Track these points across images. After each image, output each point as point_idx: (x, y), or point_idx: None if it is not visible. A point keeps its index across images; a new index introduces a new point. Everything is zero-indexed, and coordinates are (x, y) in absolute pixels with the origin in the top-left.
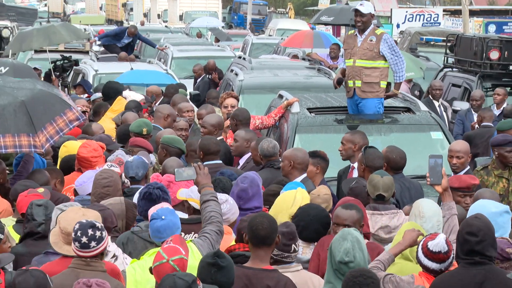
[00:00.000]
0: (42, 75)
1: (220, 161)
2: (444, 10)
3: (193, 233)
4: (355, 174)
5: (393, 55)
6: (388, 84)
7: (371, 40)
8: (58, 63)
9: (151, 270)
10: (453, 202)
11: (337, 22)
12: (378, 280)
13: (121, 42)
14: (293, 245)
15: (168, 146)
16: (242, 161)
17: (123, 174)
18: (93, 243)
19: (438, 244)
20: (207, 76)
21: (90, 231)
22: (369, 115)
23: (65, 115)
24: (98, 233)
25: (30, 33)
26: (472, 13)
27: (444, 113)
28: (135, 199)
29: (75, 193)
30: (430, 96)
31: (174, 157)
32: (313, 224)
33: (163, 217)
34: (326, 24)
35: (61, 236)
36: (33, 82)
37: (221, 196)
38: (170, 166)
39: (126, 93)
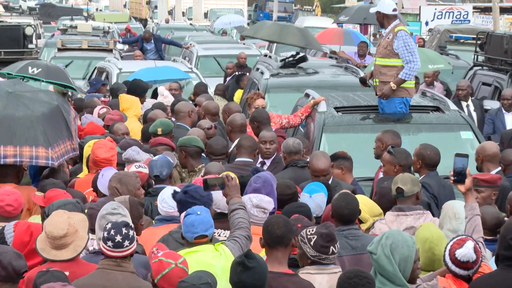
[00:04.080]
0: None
1: (251, 160)
2: (474, 8)
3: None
4: (382, 174)
5: (406, 51)
6: (416, 81)
7: (388, 38)
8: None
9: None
10: (476, 203)
11: (351, 21)
12: (373, 281)
13: (144, 48)
14: (331, 247)
15: (185, 147)
16: (268, 162)
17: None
18: (126, 242)
19: (466, 254)
20: (239, 74)
21: (124, 230)
22: (397, 114)
23: (66, 143)
24: (131, 233)
25: (263, 24)
26: (503, 10)
27: (473, 113)
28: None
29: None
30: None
31: (215, 162)
32: None
33: (198, 212)
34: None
35: (47, 241)
36: (50, 95)
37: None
38: (212, 169)
39: (161, 90)
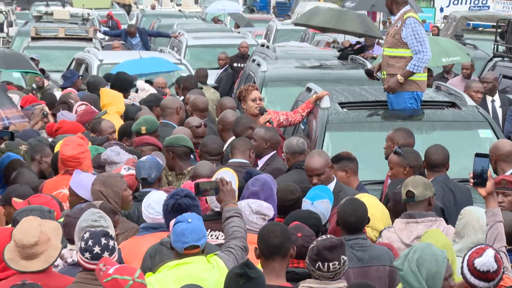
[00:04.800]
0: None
1: (247, 161)
2: None
3: (209, 230)
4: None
5: (415, 40)
6: (429, 74)
7: (397, 26)
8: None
9: None
10: (498, 208)
11: (358, 8)
12: None
13: (129, 43)
14: (319, 263)
15: (173, 147)
16: (261, 163)
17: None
18: (106, 254)
19: (486, 263)
20: (234, 65)
21: (103, 240)
22: (408, 111)
23: (12, 109)
24: (111, 243)
25: (317, 10)
26: None
27: (499, 110)
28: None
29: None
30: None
31: (206, 161)
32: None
33: (189, 220)
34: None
35: (17, 250)
36: None
37: None
38: (202, 170)
39: (140, 84)
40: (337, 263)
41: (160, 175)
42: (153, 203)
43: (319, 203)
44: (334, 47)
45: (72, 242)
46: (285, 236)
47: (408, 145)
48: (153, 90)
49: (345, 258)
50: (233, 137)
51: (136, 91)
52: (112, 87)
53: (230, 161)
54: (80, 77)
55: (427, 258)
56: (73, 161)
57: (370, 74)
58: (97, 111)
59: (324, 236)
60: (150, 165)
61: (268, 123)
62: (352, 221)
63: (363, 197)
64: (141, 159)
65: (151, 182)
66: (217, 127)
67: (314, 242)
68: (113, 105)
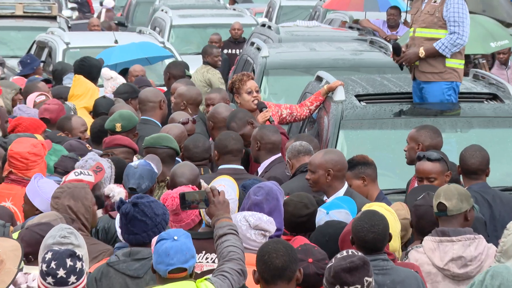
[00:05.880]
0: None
1: (241, 166)
2: None
3: (204, 252)
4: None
5: (452, 19)
6: (467, 60)
7: (435, 2)
8: None
9: None
10: None
11: None
12: None
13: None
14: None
15: (154, 148)
16: (261, 169)
17: (103, 184)
18: (72, 278)
19: None
20: (224, 52)
21: (69, 262)
22: (439, 105)
23: None
24: (79, 264)
25: None
26: None
27: None
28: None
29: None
30: None
31: (187, 162)
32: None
33: (175, 237)
34: None
35: None
36: None
37: None
38: (181, 174)
39: (105, 72)
40: (359, 286)
41: (153, 185)
42: None
43: (335, 213)
44: (351, 27)
45: (31, 261)
46: (290, 256)
47: (435, 146)
48: (121, 79)
49: (370, 279)
50: None
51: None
52: (82, 75)
53: (220, 167)
54: (42, 63)
55: (511, 285)
56: (19, 160)
57: (397, 49)
58: (62, 104)
59: (344, 253)
60: (142, 173)
61: (268, 122)
62: (370, 238)
63: (372, 206)
64: (132, 164)
65: (140, 193)
66: (207, 125)
67: (332, 261)
68: (84, 98)
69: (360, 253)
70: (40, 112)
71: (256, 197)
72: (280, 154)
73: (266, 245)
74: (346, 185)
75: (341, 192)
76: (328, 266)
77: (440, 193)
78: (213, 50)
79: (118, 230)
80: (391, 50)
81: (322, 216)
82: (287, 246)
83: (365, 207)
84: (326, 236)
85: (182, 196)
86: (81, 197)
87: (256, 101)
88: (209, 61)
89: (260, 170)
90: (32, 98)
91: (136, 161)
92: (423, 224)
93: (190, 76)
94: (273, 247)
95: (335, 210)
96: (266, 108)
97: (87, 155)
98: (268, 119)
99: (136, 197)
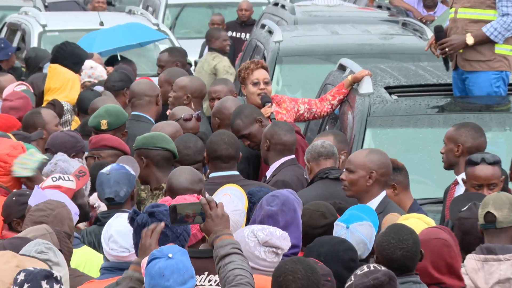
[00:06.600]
0: None
1: (236, 172)
2: None
3: (206, 273)
4: (459, 193)
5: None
6: None
7: None
8: None
9: None
10: None
11: None
12: None
13: None
14: None
15: (147, 150)
16: (269, 173)
17: (87, 190)
18: None
19: None
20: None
21: (44, 284)
22: (485, 98)
23: None
24: (56, 287)
25: None
26: None
27: None
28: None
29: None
30: None
31: (186, 166)
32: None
33: (170, 255)
34: None
35: None
36: None
37: None
38: (179, 180)
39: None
40: None
41: (133, 190)
42: (116, 235)
43: (357, 227)
44: (380, 6)
45: None
46: (309, 280)
47: (478, 147)
48: (101, 69)
49: None
50: None
51: None
52: (63, 65)
53: (211, 175)
54: (17, 50)
55: None
56: None
57: (440, 31)
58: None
59: (365, 268)
60: (116, 179)
61: (269, 119)
62: (398, 256)
63: (409, 218)
64: (103, 171)
65: (120, 202)
66: (212, 122)
67: (352, 279)
68: (63, 90)
69: (383, 268)
70: (4, 111)
71: (271, 208)
72: (293, 156)
73: (283, 265)
74: (384, 193)
75: (377, 200)
76: (347, 285)
77: (489, 202)
78: (220, 33)
79: (104, 247)
80: (434, 28)
81: (341, 231)
82: (308, 268)
83: (401, 220)
84: (321, 256)
85: (173, 209)
86: (64, 218)
87: (261, 94)
88: (216, 47)
89: (269, 173)
90: (11, 88)
91: (107, 167)
92: (469, 240)
93: (191, 64)
94: (290, 267)
95: (356, 223)
96: (270, 102)
97: (54, 156)
98: (269, 117)
99: (151, 206)
